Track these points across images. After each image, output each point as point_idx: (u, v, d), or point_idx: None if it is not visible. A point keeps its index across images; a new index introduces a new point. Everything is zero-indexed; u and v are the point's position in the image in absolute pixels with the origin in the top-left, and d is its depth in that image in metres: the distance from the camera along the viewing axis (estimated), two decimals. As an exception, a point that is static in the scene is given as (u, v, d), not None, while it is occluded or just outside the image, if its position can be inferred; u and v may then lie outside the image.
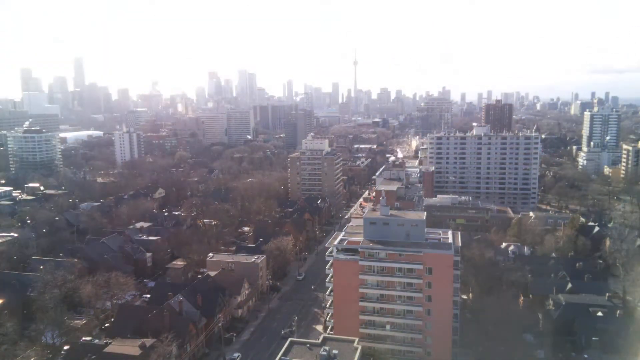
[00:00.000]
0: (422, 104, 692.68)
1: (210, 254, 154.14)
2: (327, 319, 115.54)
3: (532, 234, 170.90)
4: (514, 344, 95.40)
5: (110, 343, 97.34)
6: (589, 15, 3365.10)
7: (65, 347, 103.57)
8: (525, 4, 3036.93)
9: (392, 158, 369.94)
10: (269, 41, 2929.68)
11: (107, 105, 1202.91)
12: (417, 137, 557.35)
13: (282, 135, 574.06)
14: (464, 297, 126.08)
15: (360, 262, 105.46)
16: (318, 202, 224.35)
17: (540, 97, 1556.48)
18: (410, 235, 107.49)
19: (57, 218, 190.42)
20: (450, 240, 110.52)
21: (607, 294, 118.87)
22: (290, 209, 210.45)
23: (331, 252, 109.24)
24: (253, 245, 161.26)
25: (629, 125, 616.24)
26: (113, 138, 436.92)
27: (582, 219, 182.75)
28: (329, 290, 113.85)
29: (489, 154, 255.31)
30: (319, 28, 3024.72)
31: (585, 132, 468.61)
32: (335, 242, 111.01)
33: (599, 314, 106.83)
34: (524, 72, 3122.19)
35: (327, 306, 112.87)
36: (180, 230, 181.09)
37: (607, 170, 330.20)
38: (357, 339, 78.96)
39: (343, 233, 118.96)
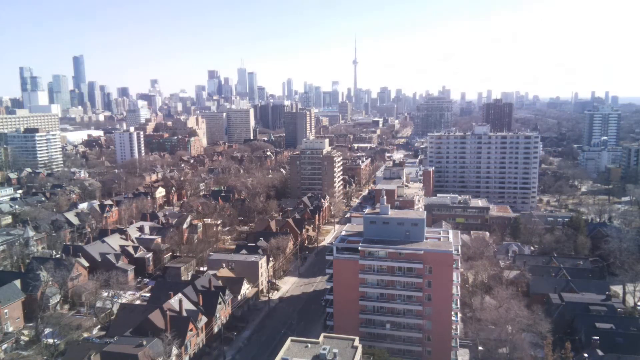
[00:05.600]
0: (422, 103, 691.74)
1: (211, 253, 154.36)
2: (327, 317, 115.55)
3: (532, 233, 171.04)
4: (513, 344, 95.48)
5: (110, 342, 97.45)
6: (589, 14, 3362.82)
7: (66, 347, 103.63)
8: (525, 3, 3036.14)
9: (392, 157, 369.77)
10: (269, 40, 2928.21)
11: (107, 104, 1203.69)
12: (417, 136, 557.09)
13: (282, 134, 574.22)
14: (464, 295, 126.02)
15: (360, 261, 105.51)
16: (318, 201, 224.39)
17: (540, 96, 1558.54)
18: (410, 234, 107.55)
19: (57, 217, 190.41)
20: (450, 239, 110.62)
21: (606, 293, 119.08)
22: (290, 208, 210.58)
23: (331, 251, 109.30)
24: (253, 244, 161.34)
25: (628, 124, 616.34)
26: (113, 137, 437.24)
27: (582, 218, 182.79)
28: (329, 289, 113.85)
29: (488, 153, 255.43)
30: (319, 27, 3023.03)
31: (585, 131, 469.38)
32: (336, 241, 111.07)
33: (599, 313, 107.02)
34: (524, 72, 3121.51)
35: (327, 305, 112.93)
36: (181, 229, 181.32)
37: (607, 169, 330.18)
38: (357, 338, 78.86)
39: (343, 232, 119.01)
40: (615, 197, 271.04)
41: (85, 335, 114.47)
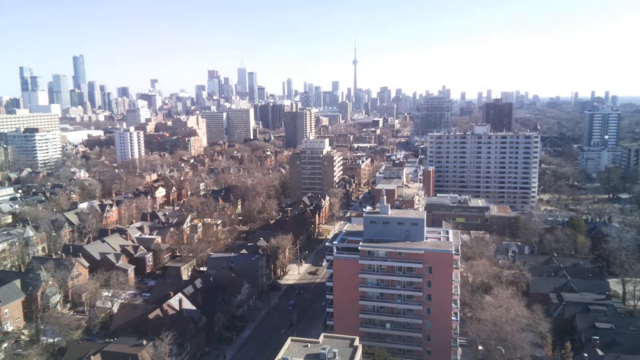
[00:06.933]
0: (422, 103, 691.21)
1: (211, 253, 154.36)
2: (327, 317, 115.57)
3: (532, 233, 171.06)
4: (513, 344, 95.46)
5: (110, 342, 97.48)
6: (589, 14, 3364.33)
7: (66, 346, 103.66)
8: (525, 3, 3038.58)
9: (392, 157, 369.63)
10: (269, 40, 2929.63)
11: (106, 104, 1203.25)
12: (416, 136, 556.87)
13: (282, 134, 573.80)
14: (464, 295, 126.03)
15: (360, 261, 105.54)
16: (318, 200, 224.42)
17: (540, 95, 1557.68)
18: (410, 234, 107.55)
19: (57, 217, 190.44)
20: (450, 239, 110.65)
21: (606, 293, 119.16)
22: (290, 208, 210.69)
23: (331, 251, 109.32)
24: (253, 244, 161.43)
25: (628, 124, 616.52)
26: (113, 137, 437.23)
27: (582, 218, 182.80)
28: (329, 289, 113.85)
29: (488, 153, 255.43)
30: (319, 27, 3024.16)
31: (585, 131, 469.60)
32: (336, 241, 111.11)
33: (599, 312, 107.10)
34: (524, 72, 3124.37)
35: (327, 305, 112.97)
36: (181, 229, 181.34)
37: (607, 169, 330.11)
38: (357, 338, 78.92)
39: (343, 232, 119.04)
40: (615, 197, 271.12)
41: (85, 335, 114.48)
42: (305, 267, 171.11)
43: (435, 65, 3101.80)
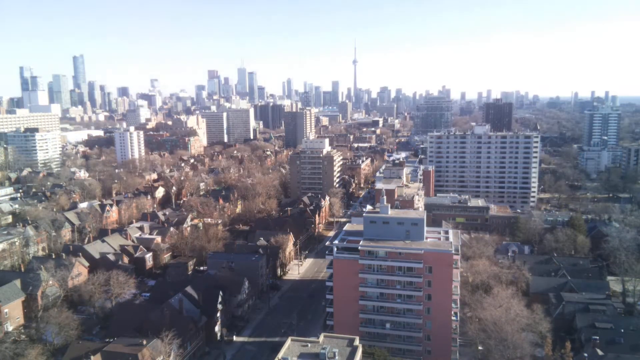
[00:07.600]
0: (422, 103, 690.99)
1: (211, 253, 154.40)
2: (327, 317, 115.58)
3: (532, 233, 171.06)
4: (513, 343, 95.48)
5: (110, 342, 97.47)
6: (589, 14, 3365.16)
7: (66, 346, 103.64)
8: (524, 3, 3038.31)
9: (392, 156, 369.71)
10: (269, 39, 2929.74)
11: (107, 104, 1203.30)
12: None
13: (282, 134, 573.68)
14: (464, 295, 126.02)
15: (360, 261, 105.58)
16: (318, 200, 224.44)
17: (540, 95, 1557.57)
18: (410, 233, 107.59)
19: (57, 217, 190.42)
20: (450, 238, 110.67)
21: (606, 293, 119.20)
22: (290, 208, 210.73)
23: (331, 251, 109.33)
24: (253, 243, 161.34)
25: (628, 124, 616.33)
26: (113, 137, 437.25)
27: (582, 218, 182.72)
28: (329, 289, 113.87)
29: (488, 153, 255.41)
30: (318, 26, 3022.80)
31: (585, 131, 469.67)
32: (335, 241, 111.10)
33: (599, 312, 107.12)
34: (524, 71, 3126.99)
35: (327, 305, 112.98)
36: (181, 229, 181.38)
37: (607, 169, 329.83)
38: (357, 338, 79.04)
39: (343, 232, 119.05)
40: (615, 197, 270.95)
41: (85, 335, 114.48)
42: (306, 266, 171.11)
43: (435, 64, 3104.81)
